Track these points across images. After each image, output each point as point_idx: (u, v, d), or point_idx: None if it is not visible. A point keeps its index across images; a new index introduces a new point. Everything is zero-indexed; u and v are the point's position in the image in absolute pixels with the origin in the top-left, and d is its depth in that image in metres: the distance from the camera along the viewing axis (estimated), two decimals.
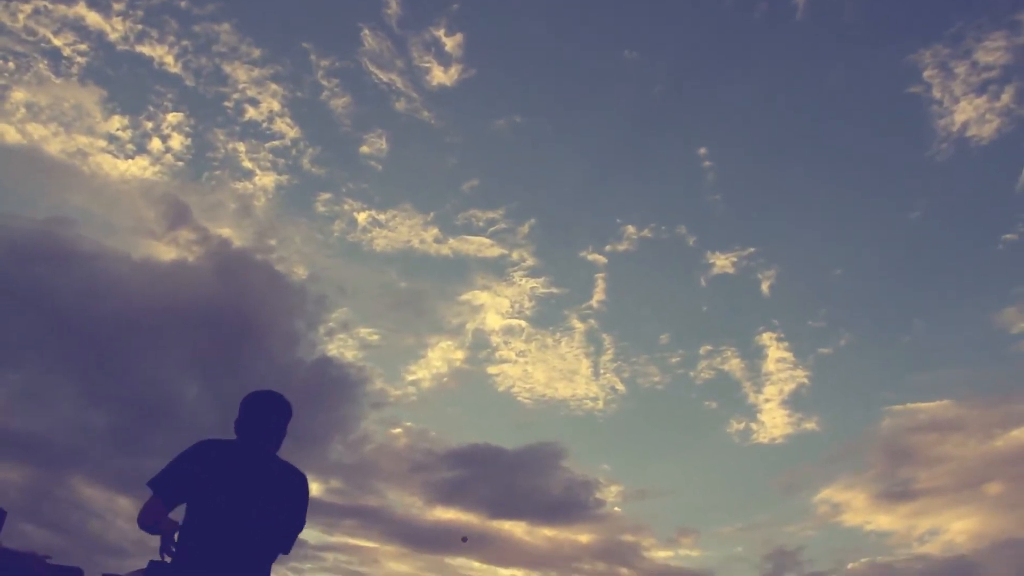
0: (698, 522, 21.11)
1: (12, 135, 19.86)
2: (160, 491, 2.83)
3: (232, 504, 2.85)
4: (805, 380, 19.71)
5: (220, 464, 2.91)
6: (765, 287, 20.05)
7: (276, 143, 19.87)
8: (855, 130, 21.30)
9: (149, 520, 2.83)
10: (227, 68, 19.39)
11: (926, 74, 18.13)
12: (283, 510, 2.99)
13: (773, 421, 19.74)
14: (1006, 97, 17.87)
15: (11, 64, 19.84)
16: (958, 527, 18.46)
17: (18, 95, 20.28)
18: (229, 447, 3.01)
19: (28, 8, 19.13)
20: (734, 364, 20.31)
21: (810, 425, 19.81)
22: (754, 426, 19.87)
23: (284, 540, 3.02)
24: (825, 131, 21.52)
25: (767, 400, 19.88)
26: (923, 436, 19.37)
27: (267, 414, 3.10)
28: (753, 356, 20.27)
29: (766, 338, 20.09)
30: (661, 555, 19.65)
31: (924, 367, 21.58)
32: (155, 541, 2.99)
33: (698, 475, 21.90)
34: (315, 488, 19.00)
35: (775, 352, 19.93)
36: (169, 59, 19.06)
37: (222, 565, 2.78)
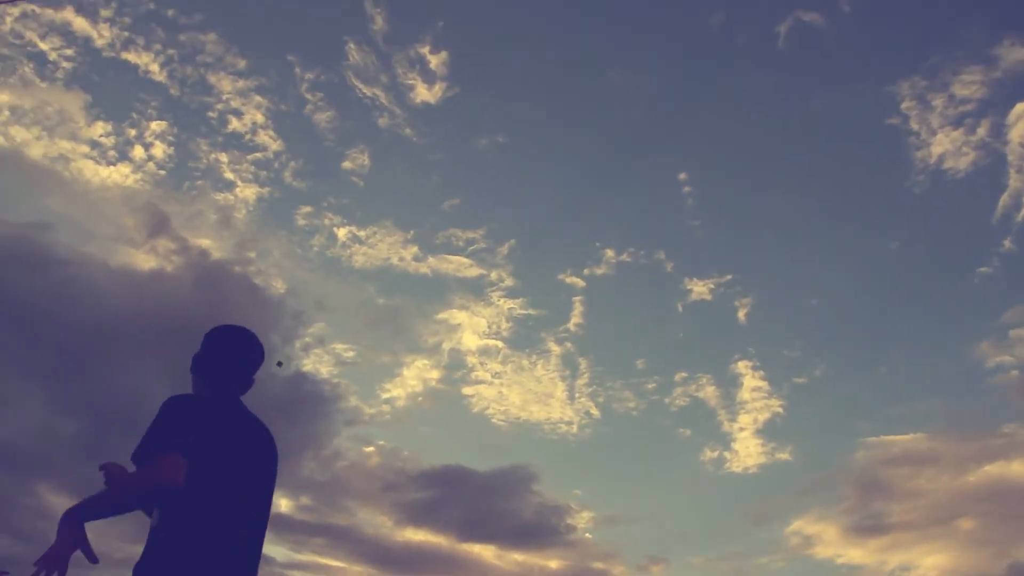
0: (669, 551, 21.11)
1: None
2: (182, 449, 2.15)
3: (233, 477, 2.29)
4: (780, 409, 19.85)
5: (213, 426, 2.31)
6: (742, 315, 20.22)
7: (258, 155, 19.82)
8: (834, 159, 21.67)
9: (170, 478, 2.10)
10: (212, 78, 19.36)
11: (904, 105, 18.48)
12: (273, 477, 2.48)
13: (747, 450, 19.84)
14: (982, 131, 18.23)
15: None
16: (930, 562, 18.60)
17: (2, 97, 20.11)
18: (213, 404, 2.41)
19: (16, 11, 19.03)
20: (709, 392, 20.42)
21: (784, 455, 19.92)
22: (728, 455, 19.96)
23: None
24: (805, 159, 21.87)
25: (741, 429, 19.99)
26: (896, 469, 19.56)
27: (251, 357, 2.56)
28: (728, 384, 20.40)
29: (741, 366, 20.24)
30: None
31: (899, 399, 21.84)
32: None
33: (670, 503, 21.95)
34: (285, 505, 18.80)
35: (750, 381, 20.07)
36: (155, 67, 19.01)
37: (234, 549, 2.24)
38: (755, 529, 21.19)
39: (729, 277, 20.29)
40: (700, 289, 20.17)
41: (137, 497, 2.20)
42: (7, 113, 20.49)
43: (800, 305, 21.84)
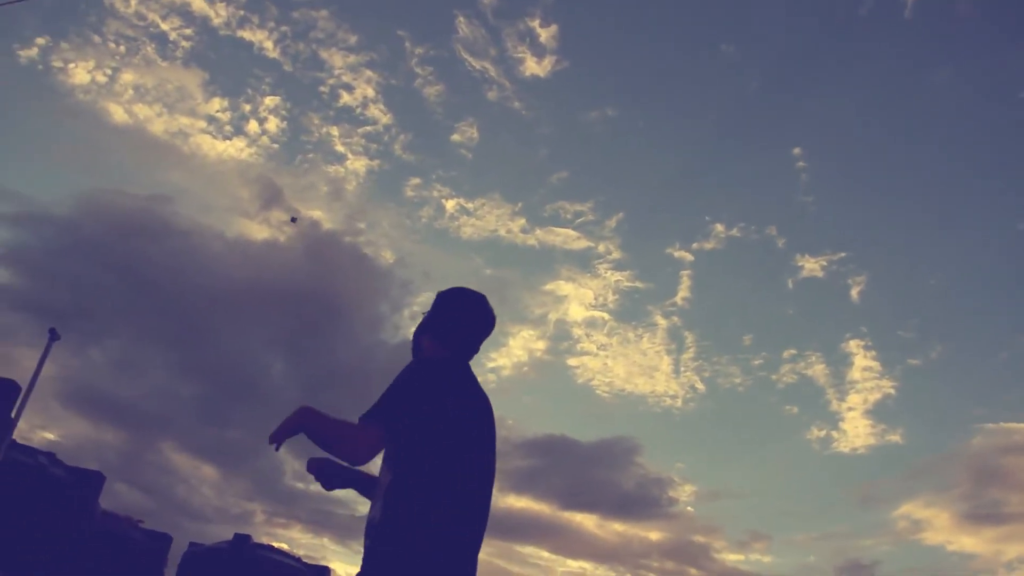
0: (771, 527, 20.69)
1: (120, 115, 20.76)
2: (386, 425, 2.08)
3: (465, 442, 2.20)
4: (892, 391, 19.02)
5: (452, 390, 2.21)
6: (855, 293, 19.40)
7: (369, 128, 20.18)
8: (961, 134, 20.32)
9: (351, 450, 2.05)
10: (324, 54, 19.75)
11: None
12: (494, 444, 2.34)
13: (855, 431, 19.13)
14: None
15: (122, 48, 20.72)
16: None
17: (127, 77, 21.14)
18: (451, 368, 2.31)
19: None
20: (818, 370, 19.73)
21: (894, 437, 19.12)
22: (835, 434, 19.31)
23: None
24: (929, 134, 20.61)
25: (850, 409, 19.28)
26: (1017, 458, 18.45)
27: (484, 322, 2.48)
28: (838, 363, 19.69)
29: (853, 345, 19.46)
30: (732, 558, 19.38)
31: (1021, 386, 20.48)
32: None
33: (774, 480, 21.41)
34: None
35: (862, 360, 19.28)
36: (269, 44, 19.54)
37: (469, 532, 2.14)
38: (861, 511, 20.53)
39: (843, 254, 19.49)
40: (812, 266, 19.44)
41: (324, 444, 2.08)
42: (131, 92, 21.48)
43: (917, 284, 20.76)
